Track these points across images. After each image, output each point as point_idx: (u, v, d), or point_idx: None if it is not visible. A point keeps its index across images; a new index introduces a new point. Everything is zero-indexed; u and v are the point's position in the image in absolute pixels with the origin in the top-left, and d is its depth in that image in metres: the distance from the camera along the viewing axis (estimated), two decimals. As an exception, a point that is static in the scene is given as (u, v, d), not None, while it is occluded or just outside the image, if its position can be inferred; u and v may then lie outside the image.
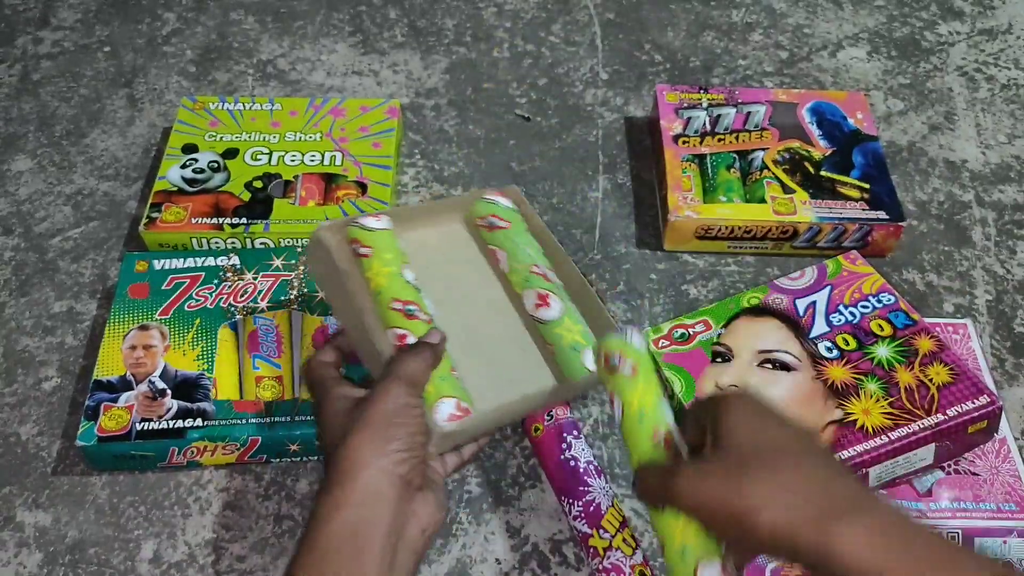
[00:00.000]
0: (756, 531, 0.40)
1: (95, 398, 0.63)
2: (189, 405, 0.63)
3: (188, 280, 0.70)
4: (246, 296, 0.69)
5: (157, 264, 0.71)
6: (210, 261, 0.71)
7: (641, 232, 0.80)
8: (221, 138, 0.80)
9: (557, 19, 0.99)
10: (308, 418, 0.63)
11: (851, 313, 0.64)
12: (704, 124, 0.82)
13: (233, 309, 0.68)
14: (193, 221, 0.74)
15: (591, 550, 0.58)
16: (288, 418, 0.63)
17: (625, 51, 0.96)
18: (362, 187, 0.78)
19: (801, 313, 0.65)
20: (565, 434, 0.62)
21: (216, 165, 0.79)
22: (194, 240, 0.74)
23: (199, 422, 0.62)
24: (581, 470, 0.60)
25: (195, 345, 0.66)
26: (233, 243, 0.75)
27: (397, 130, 0.83)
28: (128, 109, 0.90)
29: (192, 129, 0.81)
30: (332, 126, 0.82)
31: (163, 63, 0.94)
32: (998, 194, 0.83)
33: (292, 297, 0.69)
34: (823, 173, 0.78)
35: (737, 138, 0.81)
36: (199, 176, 0.78)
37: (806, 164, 0.79)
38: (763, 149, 0.80)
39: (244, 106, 0.83)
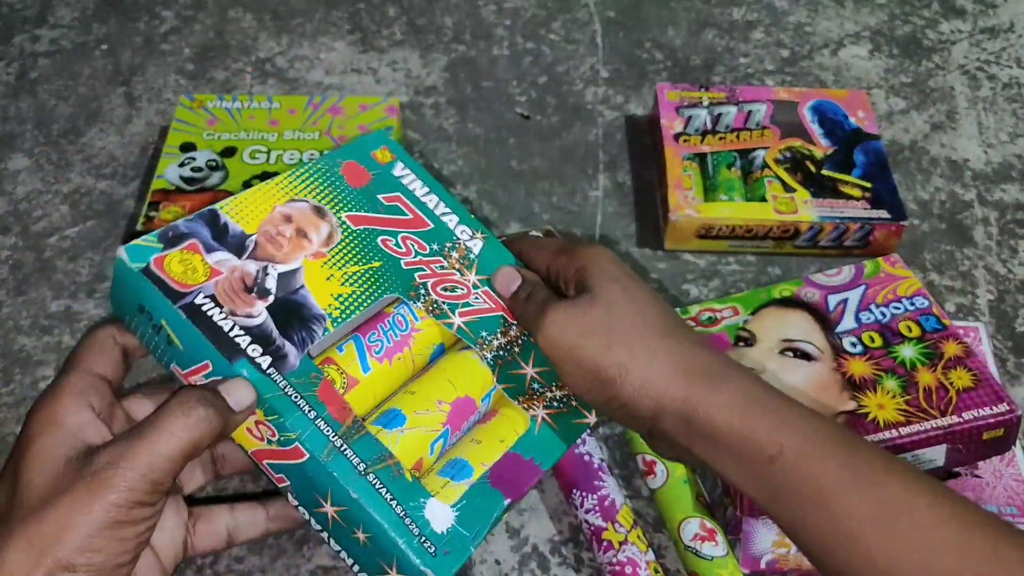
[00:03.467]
0: (621, 388, 0.41)
1: (190, 224, 0.45)
2: (271, 332, 0.42)
3: (414, 217, 0.49)
4: (449, 294, 0.48)
5: (403, 173, 0.50)
6: (451, 218, 0.50)
7: (641, 231, 0.79)
8: (219, 136, 0.80)
9: (557, 17, 0.99)
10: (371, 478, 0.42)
11: (882, 313, 0.64)
12: (705, 123, 0.81)
13: (421, 292, 0.47)
14: (191, 220, 0.73)
15: (604, 543, 0.57)
16: (364, 460, 0.42)
17: (625, 49, 0.96)
18: (361, 186, 0.77)
19: (831, 308, 0.65)
20: None
21: (214, 164, 0.78)
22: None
23: (264, 362, 0.41)
24: (596, 466, 0.60)
25: (349, 283, 0.46)
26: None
27: (396, 128, 0.82)
28: (126, 108, 0.89)
29: (190, 128, 0.81)
30: (331, 124, 0.81)
31: (161, 61, 0.94)
32: (1000, 193, 0.83)
33: (491, 342, 0.47)
34: (824, 172, 0.78)
35: (738, 137, 0.80)
36: (197, 175, 0.77)
37: (807, 163, 0.78)
38: (764, 148, 0.79)
39: (242, 104, 0.83)
